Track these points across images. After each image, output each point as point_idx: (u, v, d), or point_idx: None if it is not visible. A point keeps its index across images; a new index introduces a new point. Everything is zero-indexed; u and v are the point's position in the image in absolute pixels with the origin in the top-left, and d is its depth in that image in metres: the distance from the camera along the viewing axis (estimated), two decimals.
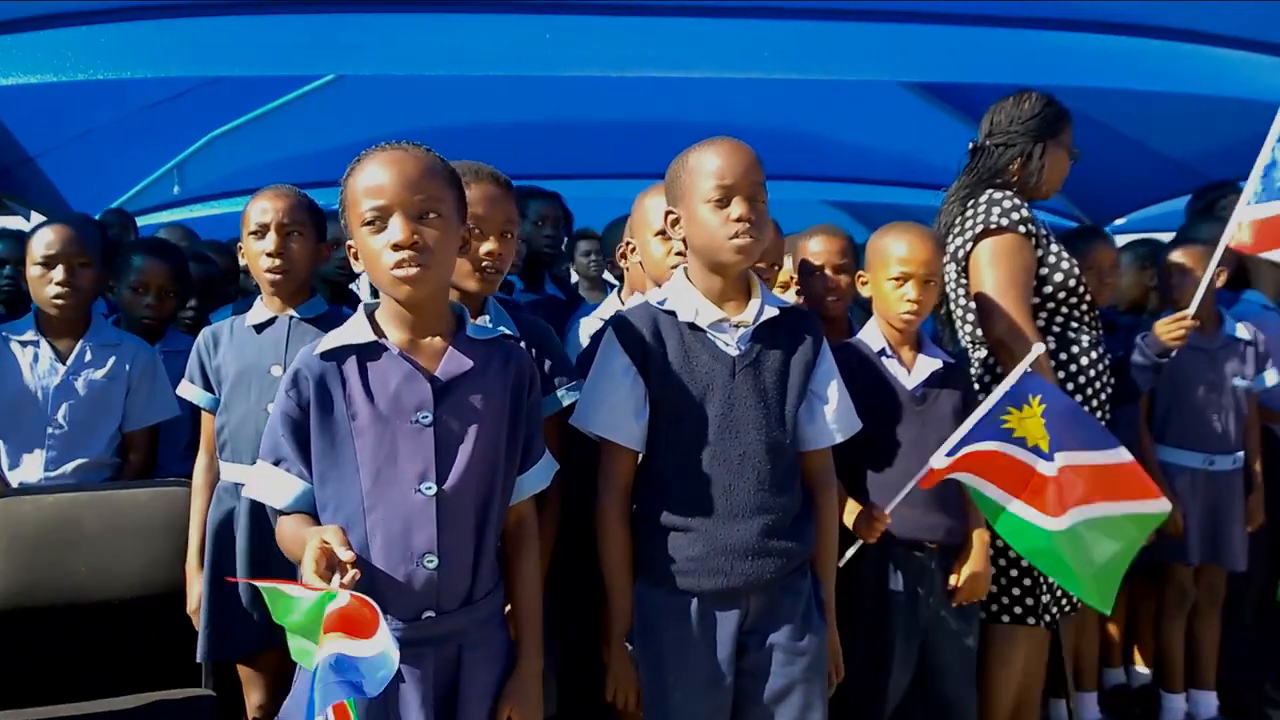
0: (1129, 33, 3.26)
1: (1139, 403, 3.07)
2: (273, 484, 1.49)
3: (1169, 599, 3.17)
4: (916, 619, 2.21)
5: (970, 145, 2.70)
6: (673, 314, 1.76)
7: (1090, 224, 3.28)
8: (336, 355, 1.50)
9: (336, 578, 1.25)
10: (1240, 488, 3.11)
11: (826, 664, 1.85)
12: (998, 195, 2.51)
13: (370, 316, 1.54)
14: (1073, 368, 2.50)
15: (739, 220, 1.69)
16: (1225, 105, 3.66)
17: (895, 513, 2.13)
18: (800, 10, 3.06)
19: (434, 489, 1.46)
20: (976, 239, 2.48)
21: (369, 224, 1.44)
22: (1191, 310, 2.69)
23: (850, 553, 2.13)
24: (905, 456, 2.19)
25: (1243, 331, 3.13)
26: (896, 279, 2.20)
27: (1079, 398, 2.48)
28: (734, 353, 1.75)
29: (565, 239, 3.66)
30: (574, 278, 4.59)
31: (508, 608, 1.63)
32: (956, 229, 2.57)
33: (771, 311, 1.78)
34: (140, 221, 5.33)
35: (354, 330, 1.51)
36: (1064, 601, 2.55)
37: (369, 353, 1.50)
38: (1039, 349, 2.13)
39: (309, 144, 4.79)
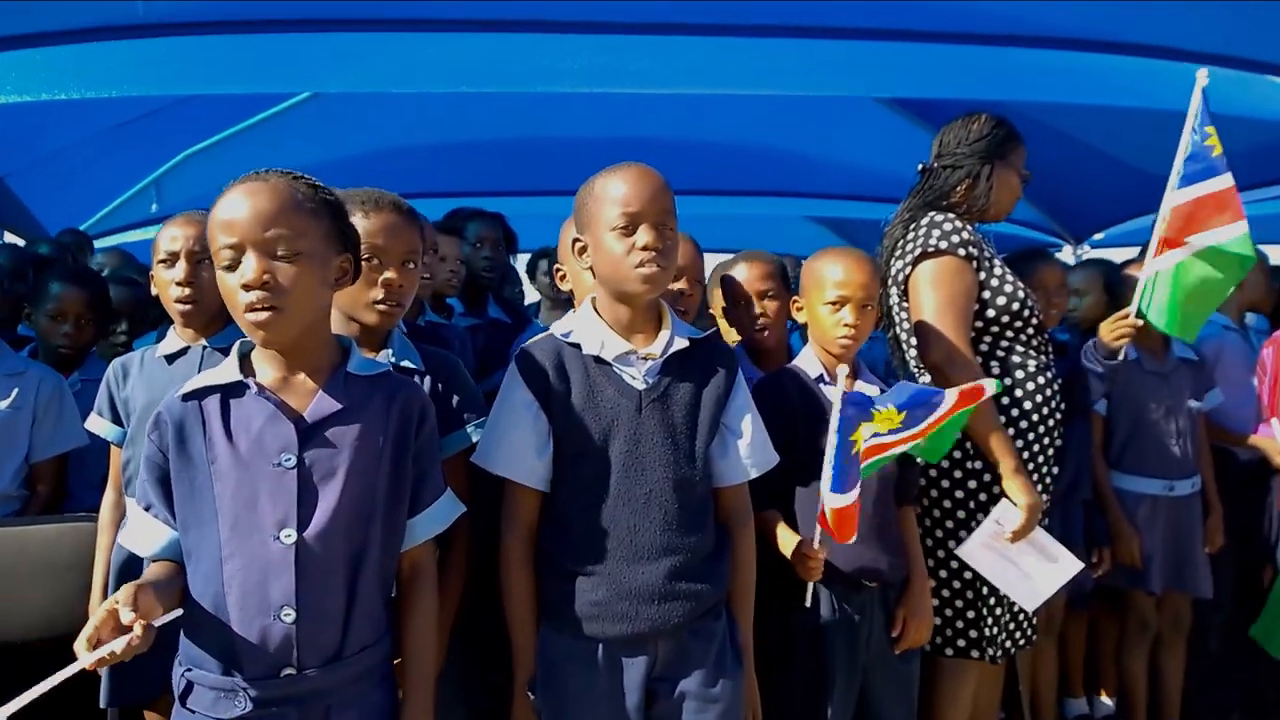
0: (1104, 50, 3.23)
1: (1093, 428, 3.02)
2: (142, 531, 1.43)
3: (1130, 628, 3.10)
4: (856, 655, 2.13)
5: (920, 167, 2.64)
6: (578, 347, 1.70)
7: (1038, 246, 3.23)
8: (199, 395, 1.42)
9: (85, 654, 1.18)
10: (1200, 511, 3.05)
11: (744, 710, 1.77)
12: (939, 218, 2.45)
13: (245, 355, 1.46)
14: (1017, 393, 2.43)
15: (645, 249, 1.62)
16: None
17: (835, 550, 2.05)
18: (776, 28, 3.04)
19: (294, 536, 1.38)
20: (915, 262, 2.42)
21: (225, 264, 1.36)
22: (1133, 310, 2.63)
23: (810, 592, 2.05)
24: None
25: (1190, 352, 3.10)
26: (832, 304, 2.14)
27: (1023, 423, 2.42)
28: (640, 386, 1.68)
29: (507, 260, 3.61)
30: (536, 297, 4.56)
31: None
32: (898, 252, 2.51)
33: (682, 343, 1.71)
34: (115, 240, 5.35)
35: (222, 370, 1.44)
36: (1017, 634, 2.48)
37: (233, 392, 1.42)
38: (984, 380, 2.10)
39: (284, 162, 4.79)
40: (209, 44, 2.90)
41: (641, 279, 1.63)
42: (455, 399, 1.79)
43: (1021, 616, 2.48)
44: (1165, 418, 2.98)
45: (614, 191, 1.65)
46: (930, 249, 2.40)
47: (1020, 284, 2.48)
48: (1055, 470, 2.53)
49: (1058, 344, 2.91)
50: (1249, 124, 3.28)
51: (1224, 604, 3.24)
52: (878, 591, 2.16)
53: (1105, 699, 3.37)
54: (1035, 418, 2.44)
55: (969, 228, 2.46)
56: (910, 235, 2.48)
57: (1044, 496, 2.48)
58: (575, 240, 1.73)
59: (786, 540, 2.06)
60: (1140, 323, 2.66)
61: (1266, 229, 5.23)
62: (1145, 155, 4.44)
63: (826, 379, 2.18)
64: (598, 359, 1.68)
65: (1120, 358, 2.74)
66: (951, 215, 2.46)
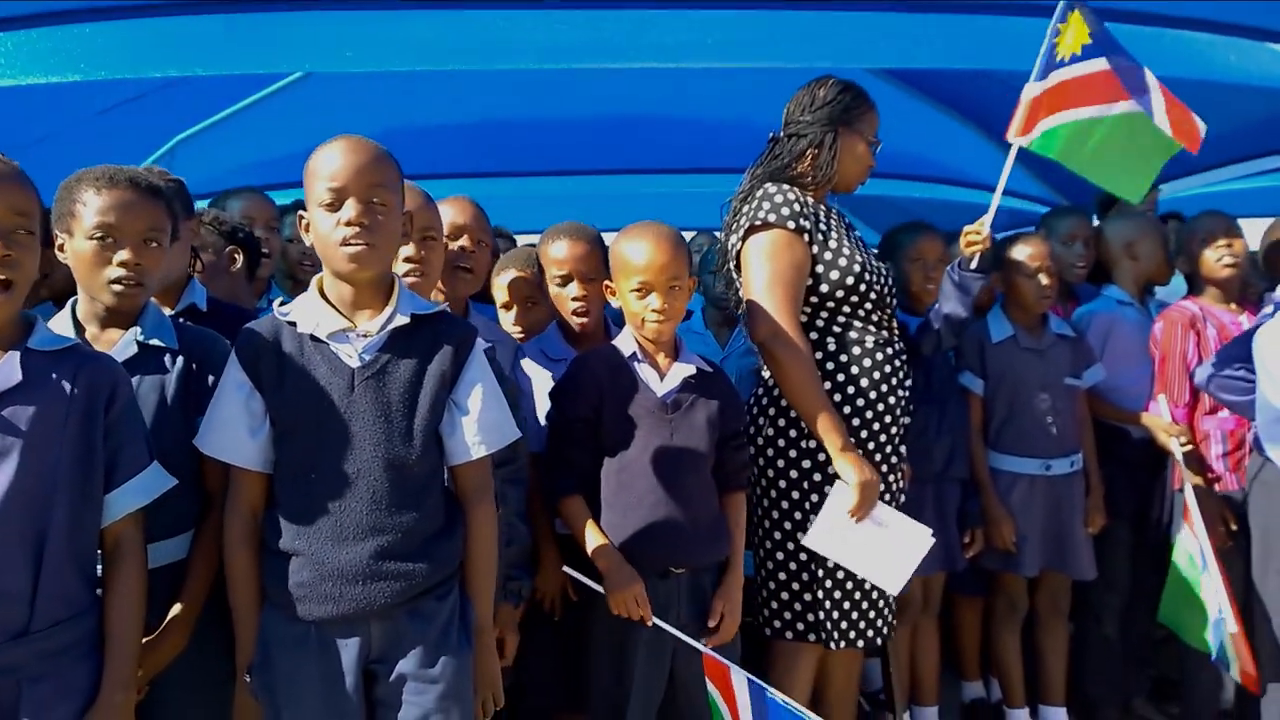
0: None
1: (971, 408, 2.99)
2: None
3: (998, 610, 3.06)
4: (664, 641, 2.09)
5: (770, 137, 2.59)
6: (295, 325, 1.68)
7: (918, 219, 3.17)
8: None
9: None
10: (1081, 491, 3.00)
11: (482, 690, 1.76)
12: (773, 189, 2.41)
13: None
14: (853, 370, 2.39)
15: (349, 224, 1.60)
16: (1199, 89, 3.50)
17: (640, 534, 2.07)
18: None
19: None
20: (744, 236, 2.39)
21: None
22: (987, 221, 2.59)
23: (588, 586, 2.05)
24: (653, 468, 2.10)
25: (1067, 329, 3.04)
26: (637, 290, 2.11)
27: (860, 401, 2.39)
28: (354, 364, 1.65)
29: None
30: None
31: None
32: (733, 225, 2.49)
33: (403, 319, 1.68)
34: None
35: None
36: (877, 620, 2.45)
37: None
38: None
39: (280, 145, 4.75)
40: (195, 24, 2.88)
41: (347, 257, 1.62)
42: (211, 379, 1.77)
43: (881, 602, 2.46)
44: (1041, 396, 2.93)
45: (321, 165, 1.63)
46: (759, 222, 2.37)
47: (862, 257, 2.43)
48: (902, 449, 2.50)
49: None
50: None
51: (1120, 585, 3.20)
52: (686, 578, 2.14)
53: None
54: (873, 395, 2.40)
55: (807, 199, 2.43)
56: (744, 208, 2.45)
57: (895, 476, 2.47)
58: (300, 216, 1.72)
59: (593, 540, 2.07)
60: (991, 233, 2.60)
61: (1251, 203, 5.14)
62: None
63: (639, 357, 2.16)
64: (313, 337, 1.66)
65: (976, 269, 2.62)
66: (786, 187, 2.42)
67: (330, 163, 1.62)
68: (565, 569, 2.07)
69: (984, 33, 3.09)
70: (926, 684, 3.07)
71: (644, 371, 2.17)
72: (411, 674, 1.66)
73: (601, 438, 2.13)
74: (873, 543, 2.33)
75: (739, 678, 2.00)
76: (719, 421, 2.19)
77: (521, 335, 2.51)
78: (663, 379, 2.17)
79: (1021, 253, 2.94)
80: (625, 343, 2.20)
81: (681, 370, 2.17)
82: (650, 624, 2.04)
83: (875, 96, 2.60)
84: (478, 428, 1.71)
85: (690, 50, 3.01)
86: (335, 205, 1.62)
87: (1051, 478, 2.95)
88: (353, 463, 1.64)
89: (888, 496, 2.46)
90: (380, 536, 1.63)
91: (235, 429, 1.65)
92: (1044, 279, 2.92)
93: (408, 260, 1.95)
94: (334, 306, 1.68)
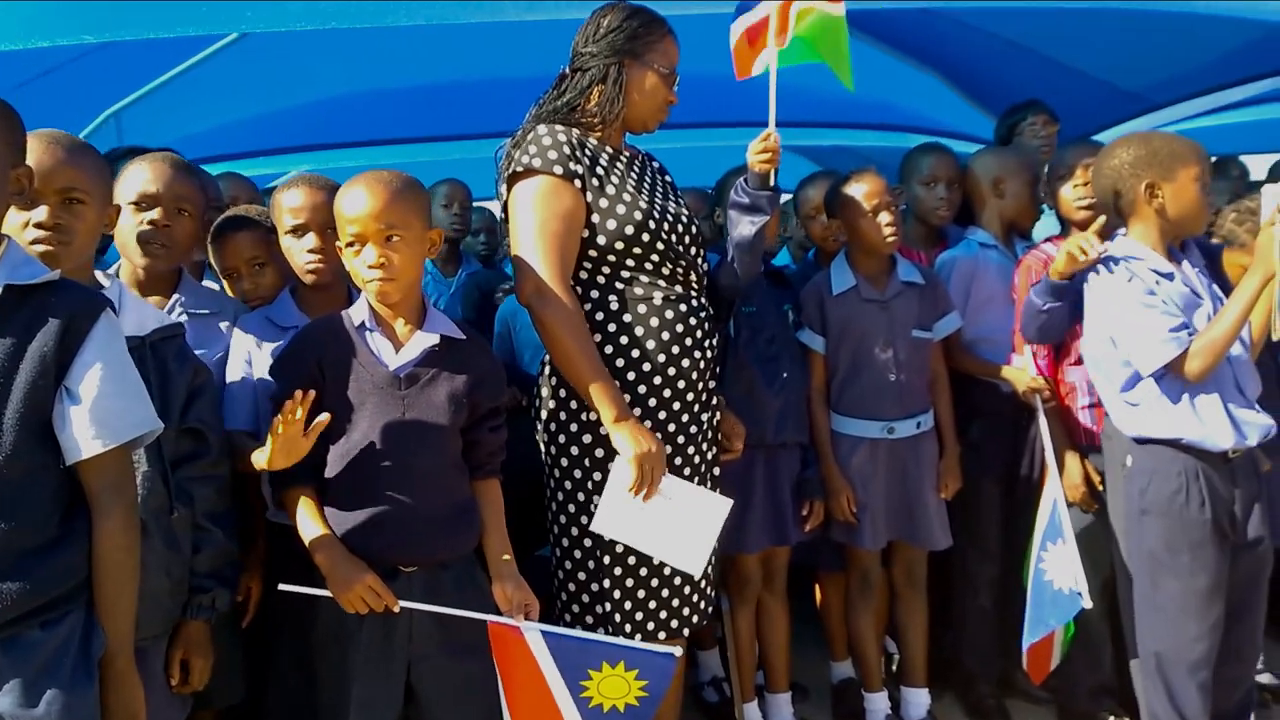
0: None
1: (811, 367, 2.71)
2: None
3: (851, 586, 2.80)
4: (392, 651, 1.84)
5: (560, 72, 2.28)
6: None
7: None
8: None
9: None
10: (931, 454, 2.73)
11: None
12: (543, 131, 2.14)
13: None
14: (638, 330, 2.12)
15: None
16: (1165, 23, 3.49)
17: (364, 526, 1.80)
18: None
19: None
20: (508, 185, 2.13)
21: None
22: (770, 124, 2.29)
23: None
24: (381, 451, 1.83)
25: (917, 275, 2.74)
26: (351, 244, 1.83)
27: (645, 365, 2.12)
28: None
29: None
30: None
31: None
32: (504, 174, 2.20)
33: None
34: None
35: None
36: (684, 609, 2.20)
37: None
38: None
39: (219, 112, 4.45)
40: None
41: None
42: None
43: (687, 587, 2.20)
44: (883, 350, 2.65)
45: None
46: (520, 169, 2.10)
47: (646, 204, 2.15)
48: (706, 415, 2.24)
49: None
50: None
51: (993, 552, 2.94)
52: (420, 576, 1.86)
53: None
54: (661, 358, 2.13)
55: (588, 140, 2.16)
56: (516, 154, 2.17)
57: (700, 446, 2.21)
58: None
59: (310, 532, 1.81)
60: (777, 139, 2.28)
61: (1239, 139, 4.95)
62: (1111, 67, 4.19)
63: (370, 325, 1.89)
64: None
65: (770, 189, 2.31)
66: (560, 128, 2.15)
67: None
68: (282, 585, 1.77)
69: None
70: (776, 669, 2.82)
71: (375, 342, 1.89)
72: (9, 713, 1.40)
73: (326, 407, 1.83)
74: (664, 521, 2.08)
75: (533, 635, 1.76)
76: (468, 397, 1.91)
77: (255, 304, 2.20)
78: (398, 350, 1.89)
79: (856, 190, 2.64)
80: (358, 310, 1.92)
81: (424, 340, 1.89)
82: (398, 609, 1.78)
83: None
84: (90, 419, 1.45)
85: None
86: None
87: (895, 441, 2.68)
88: None
89: (688, 470, 2.21)
90: None
91: None
92: (884, 216, 2.62)
93: (38, 226, 1.64)
94: None
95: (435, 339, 1.89)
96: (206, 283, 2.34)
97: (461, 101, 4.61)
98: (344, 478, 1.86)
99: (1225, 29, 3.53)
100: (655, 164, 2.40)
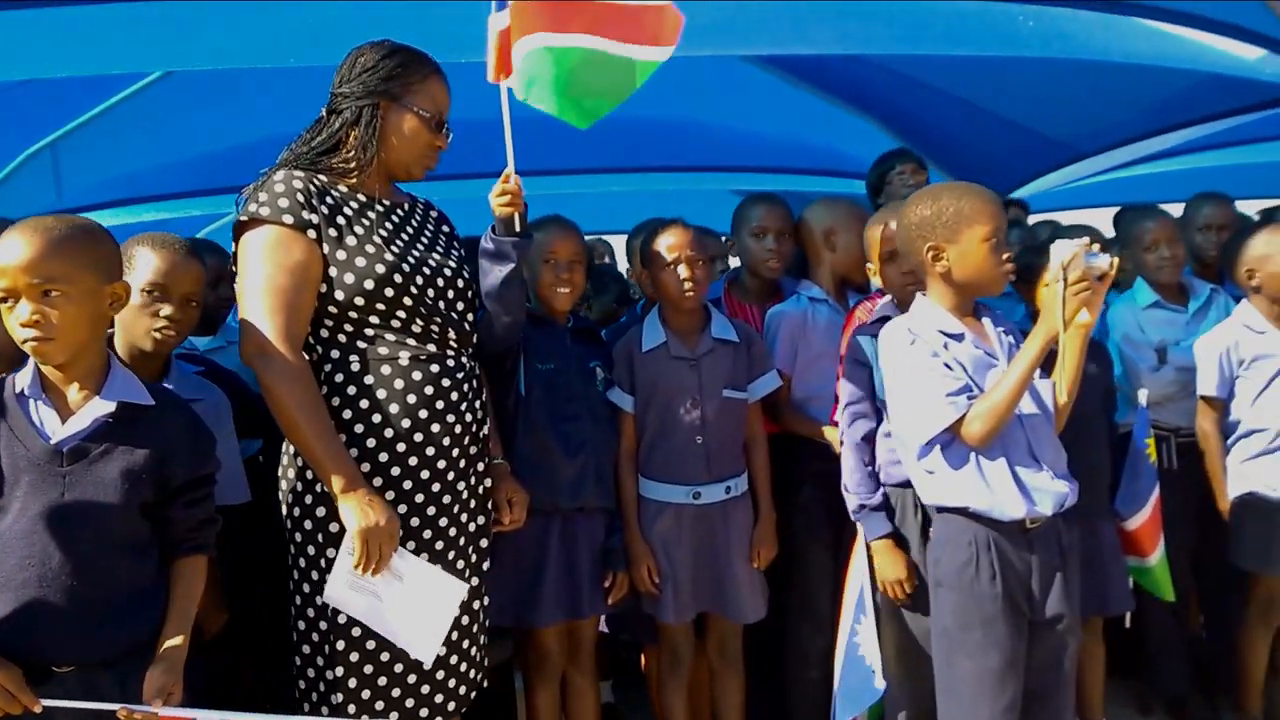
0: None
1: (621, 427, 2.56)
2: None
3: (661, 661, 2.62)
4: None
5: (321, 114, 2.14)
6: None
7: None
8: None
9: None
10: (743, 521, 2.57)
11: None
12: (278, 177, 1.98)
13: None
14: (379, 393, 1.96)
15: None
16: (1092, 73, 3.48)
17: (8, 622, 1.58)
18: None
19: None
20: (235, 234, 1.98)
21: None
22: (509, 166, 2.11)
23: None
24: (31, 536, 1.61)
25: (732, 333, 2.61)
26: (4, 301, 1.63)
27: (389, 431, 1.96)
28: None
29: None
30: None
31: None
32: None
33: None
34: None
35: None
36: (434, 695, 2.03)
37: None
38: None
39: (140, 156, 4.34)
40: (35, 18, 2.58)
41: None
42: None
43: (440, 673, 2.02)
44: (690, 410, 2.51)
45: None
46: (247, 217, 1.95)
47: (395, 256, 1.99)
48: (463, 484, 2.07)
49: None
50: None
51: (826, 622, 2.77)
52: (75, 677, 1.62)
53: None
54: (406, 423, 1.97)
55: (335, 188, 2.02)
56: (246, 201, 2.01)
57: (454, 518, 2.04)
58: None
59: None
60: (516, 180, 2.11)
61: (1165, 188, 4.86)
62: (1039, 116, 4.18)
63: (32, 393, 1.68)
64: None
65: (516, 235, 2.13)
66: (299, 174, 2.00)
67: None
68: None
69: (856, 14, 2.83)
70: None
71: (39, 412, 1.68)
72: None
73: None
74: (395, 601, 1.92)
75: None
76: (150, 473, 1.71)
77: None
78: (65, 421, 1.69)
79: (661, 242, 2.52)
80: (23, 375, 1.71)
81: (96, 409, 1.68)
82: (38, 709, 1.57)
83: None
84: None
85: None
86: None
87: (702, 507, 2.52)
88: None
89: (440, 543, 2.04)
90: None
91: None
92: (683, 270, 2.49)
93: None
94: None
95: (111, 407, 1.69)
96: None
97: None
98: None
99: (1152, 78, 3.50)
100: (434, 213, 2.26)
